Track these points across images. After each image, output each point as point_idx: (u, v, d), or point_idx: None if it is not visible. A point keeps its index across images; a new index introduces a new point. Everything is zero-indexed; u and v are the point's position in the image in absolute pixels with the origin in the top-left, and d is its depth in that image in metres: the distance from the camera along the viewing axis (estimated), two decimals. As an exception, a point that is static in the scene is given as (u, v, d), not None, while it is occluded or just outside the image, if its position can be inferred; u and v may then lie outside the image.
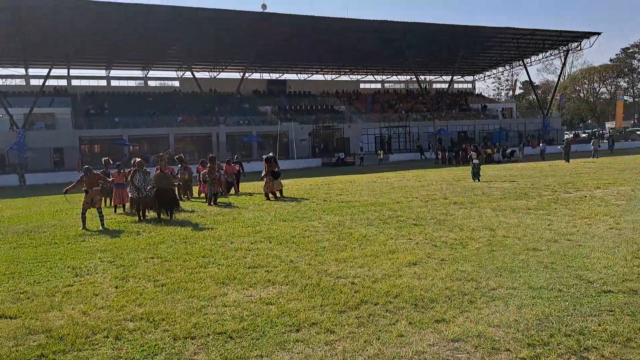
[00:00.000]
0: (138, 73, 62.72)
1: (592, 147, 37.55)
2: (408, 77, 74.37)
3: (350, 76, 71.58)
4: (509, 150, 38.45)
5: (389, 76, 74.32)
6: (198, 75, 62.29)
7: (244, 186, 21.00)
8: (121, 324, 5.21)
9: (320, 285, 6.08)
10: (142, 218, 12.88)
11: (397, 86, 75.37)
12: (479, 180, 19.46)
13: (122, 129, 47.38)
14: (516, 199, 13.39)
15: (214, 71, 63.26)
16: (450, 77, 64.50)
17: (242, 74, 51.89)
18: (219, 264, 7.54)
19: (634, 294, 5.12)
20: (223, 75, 63.91)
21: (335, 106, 62.84)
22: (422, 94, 62.58)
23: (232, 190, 19.55)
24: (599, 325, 4.39)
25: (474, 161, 20.53)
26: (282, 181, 17.37)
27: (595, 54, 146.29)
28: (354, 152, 49.05)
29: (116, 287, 6.60)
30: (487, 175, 23.05)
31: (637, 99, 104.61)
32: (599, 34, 57.63)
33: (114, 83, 61.47)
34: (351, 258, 7.39)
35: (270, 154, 18.41)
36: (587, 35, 58.09)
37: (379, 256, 7.43)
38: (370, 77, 73.45)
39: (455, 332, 4.44)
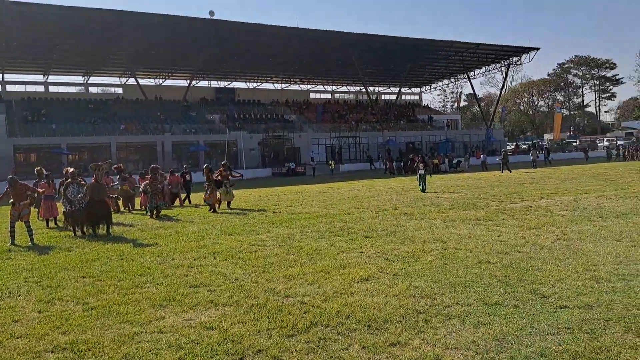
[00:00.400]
0: (79, 79, 60.21)
1: (532, 157, 39.04)
2: (358, 88, 75.21)
3: (301, 85, 71.58)
4: (455, 161, 39.29)
5: (339, 86, 74.87)
6: (143, 82, 60.54)
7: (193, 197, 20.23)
8: (41, 355, 4.60)
9: (267, 306, 5.66)
10: (76, 233, 11.98)
11: (347, 97, 76.00)
12: (424, 191, 19.45)
13: (60, 137, 45.12)
14: (465, 209, 13.43)
15: (159, 78, 61.60)
16: (398, 88, 65.69)
17: (189, 81, 50.67)
18: (158, 283, 6.97)
19: (589, 309, 5.00)
20: (169, 82, 62.35)
21: (285, 115, 62.50)
22: (372, 105, 63.34)
23: (177, 202, 18.78)
24: (559, 345, 4.19)
25: (420, 172, 20.44)
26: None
27: (534, 68, 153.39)
28: (304, 162, 48.80)
29: (39, 312, 5.93)
30: (435, 185, 23.30)
31: (572, 112, 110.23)
32: (537, 49, 60.30)
33: (52, 89, 58.67)
34: (301, 274, 7.00)
35: (225, 161, 17.83)
36: (527, 50, 60.66)
37: (329, 272, 7.08)
38: (320, 87, 73.72)
39: (412, 357, 4.14)
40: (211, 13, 46.82)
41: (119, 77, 60.73)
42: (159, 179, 15.57)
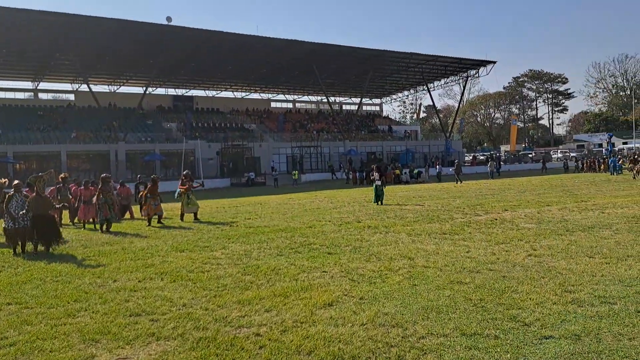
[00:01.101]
0: (28, 84, 57.43)
1: (489, 168, 39.67)
2: (319, 98, 75.02)
3: (261, 94, 70.78)
4: (415, 171, 39.32)
5: (300, 96, 74.47)
6: (96, 88, 58.30)
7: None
8: None
9: (217, 340, 4.93)
10: (17, 251, 10.68)
11: (309, 106, 75.66)
12: (381, 203, 18.32)
13: (6, 145, 42.69)
14: (429, 221, 13.02)
15: (114, 84, 59.51)
16: (359, 99, 65.76)
17: (144, 88, 49.04)
18: (94, 311, 6.12)
19: (577, 340, 4.52)
20: (125, 89, 60.31)
21: (245, 124, 61.51)
22: (333, 115, 63.15)
23: (127, 215, 17.67)
24: (552, 386, 3.66)
25: (376, 183, 18.94)
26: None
27: (490, 81, 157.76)
28: (265, 172, 47.92)
29: (-55, 351, 5.00)
30: (397, 196, 22.98)
31: (526, 124, 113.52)
32: (494, 62, 61.64)
33: (-1, 95, 55.74)
34: (257, 299, 6.30)
35: (186, 171, 16.92)
36: (484, 63, 61.90)
37: (289, 295, 6.40)
38: (281, 97, 73.09)
39: (385, 406, 3.52)
40: (168, 19, 45.39)
41: (71, 83, 58.35)
42: (110, 190, 14.47)
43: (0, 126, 46.18)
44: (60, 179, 16.56)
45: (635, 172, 30.20)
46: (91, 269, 8.57)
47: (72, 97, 59.47)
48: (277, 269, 7.90)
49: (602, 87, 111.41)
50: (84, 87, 54.68)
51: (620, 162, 37.86)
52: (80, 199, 15.18)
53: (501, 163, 48.56)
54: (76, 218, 15.82)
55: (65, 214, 16.06)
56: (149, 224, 14.50)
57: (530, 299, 5.82)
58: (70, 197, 16.01)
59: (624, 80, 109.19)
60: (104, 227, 13.68)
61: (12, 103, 54.32)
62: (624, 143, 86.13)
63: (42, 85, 58.06)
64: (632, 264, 7.29)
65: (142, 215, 15.21)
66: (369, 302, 5.99)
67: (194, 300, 6.41)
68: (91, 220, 14.94)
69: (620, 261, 7.52)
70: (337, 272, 7.59)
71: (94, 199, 13.90)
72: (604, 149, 65.68)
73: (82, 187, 15.37)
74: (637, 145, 78.88)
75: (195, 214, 15.79)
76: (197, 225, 14.19)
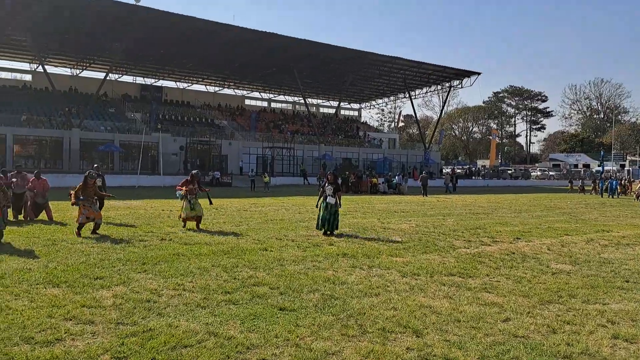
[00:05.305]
0: (-21, 60, 52.50)
1: (445, 183, 37.80)
2: (296, 99, 71.65)
3: (236, 91, 67.02)
4: (394, 181, 36.25)
5: (275, 95, 70.94)
6: (57, 70, 53.83)
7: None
8: None
9: None
10: None
11: (284, 106, 72.19)
12: (330, 232, 11.65)
13: (-64, 122, 37.97)
14: (425, 251, 9.78)
15: (77, 68, 54.97)
16: (338, 102, 62.66)
17: (107, 73, 44.80)
18: None
19: None
20: (88, 74, 55.80)
21: (216, 120, 57.66)
22: (309, 117, 59.82)
23: (44, 216, 13.93)
24: None
25: (327, 195, 11.72)
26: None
27: (469, 95, 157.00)
28: (231, 172, 44.21)
29: None
30: (376, 209, 19.79)
31: (504, 140, 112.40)
32: (479, 73, 59.36)
33: (-56, 68, 50.70)
34: None
35: (195, 171, 13.20)
36: (469, 74, 59.56)
37: None
38: (256, 94, 69.45)
39: None
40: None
41: (29, 62, 53.65)
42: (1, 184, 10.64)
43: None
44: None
45: (636, 195, 28.00)
46: None
47: (29, 77, 54.73)
48: (180, 345, 4.46)
49: (577, 108, 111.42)
50: (42, 68, 50.12)
51: (620, 183, 36.02)
52: None
53: (457, 180, 43.71)
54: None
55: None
56: (79, 233, 10.71)
57: None
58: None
59: (599, 104, 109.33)
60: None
61: (-43, 79, 49.33)
62: (599, 165, 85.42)
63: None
64: None
65: (76, 221, 11.18)
66: None
67: None
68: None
69: None
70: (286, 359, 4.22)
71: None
72: (593, 170, 64.25)
73: None
74: (612, 167, 78.19)
75: (198, 223, 12.29)
76: (130, 235, 10.59)
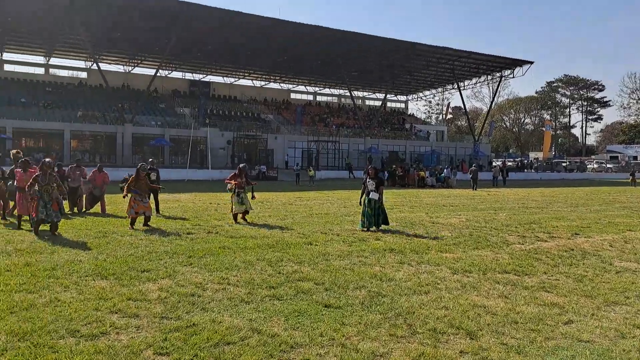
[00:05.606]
0: (40, 59, 54.88)
1: (493, 175, 36.29)
2: (341, 92, 71.26)
3: (281, 84, 67.33)
4: (443, 174, 35.41)
5: (321, 88, 70.80)
6: (110, 68, 55.68)
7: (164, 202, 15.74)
8: None
9: None
10: None
11: (330, 99, 71.93)
12: (377, 228, 11.17)
13: (4, 119, 39.97)
14: (476, 247, 9.37)
15: (129, 65, 56.66)
16: (384, 94, 61.82)
17: (157, 69, 45.91)
18: None
19: None
20: (140, 70, 57.46)
21: (262, 115, 58.15)
22: (355, 110, 59.34)
23: (98, 208, 14.30)
24: None
25: (370, 190, 11.26)
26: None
27: (521, 85, 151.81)
28: (277, 166, 44.47)
29: None
30: (424, 203, 19.33)
31: (558, 131, 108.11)
32: (531, 62, 57.18)
33: (8, 67, 53.25)
34: None
35: (243, 164, 13.19)
36: (521, 63, 57.45)
37: None
38: (302, 88, 69.53)
39: None
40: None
41: (85, 60, 55.70)
42: (50, 182, 10.54)
43: (4, 100, 43.59)
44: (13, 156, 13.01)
45: None
46: None
47: (84, 75, 56.85)
48: (223, 341, 4.34)
49: (637, 97, 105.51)
50: (96, 66, 51.95)
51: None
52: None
53: (508, 172, 41.85)
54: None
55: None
56: (132, 226, 10.91)
57: None
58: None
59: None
60: (39, 227, 10.10)
61: (20, 77, 51.79)
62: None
63: (57, 61, 55.59)
64: None
65: (127, 215, 11.37)
66: None
67: None
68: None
69: None
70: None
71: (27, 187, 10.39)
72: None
73: (20, 169, 11.63)
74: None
75: (244, 215, 12.43)
76: (163, 230, 10.73)
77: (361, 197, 11.68)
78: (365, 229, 11.15)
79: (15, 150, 12.13)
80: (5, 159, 32.37)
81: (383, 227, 11.31)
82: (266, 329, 4.63)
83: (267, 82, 66.09)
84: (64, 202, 11.94)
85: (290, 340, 4.35)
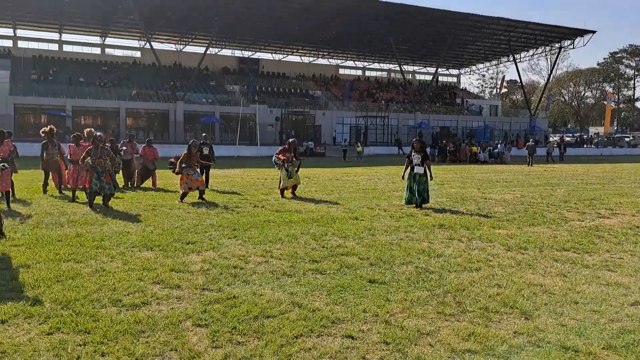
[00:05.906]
0: (96, 39, 56.64)
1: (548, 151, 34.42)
2: (391, 66, 69.80)
3: (330, 60, 66.61)
4: (497, 150, 34.17)
5: (370, 63, 69.59)
6: (163, 46, 56.73)
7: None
8: None
9: None
10: None
11: (379, 74, 70.65)
12: (420, 206, 10.59)
13: (65, 98, 41.62)
14: (532, 223, 8.88)
15: (180, 43, 57.54)
16: (435, 68, 60.01)
17: (206, 47, 46.39)
18: None
19: None
20: (190, 49, 58.22)
21: (310, 91, 57.89)
22: (405, 84, 58.01)
23: (150, 183, 14.61)
24: None
25: (415, 165, 10.70)
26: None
27: (582, 56, 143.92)
28: (325, 142, 44.31)
29: None
30: (476, 179, 18.68)
31: (621, 105, 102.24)
32: (593, 32, 53.88)
33: (67, 48, 55.27)
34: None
35: (292, 139, 13.10)
36: (581, 32, 54.31)
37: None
38: (350, 63, 68.58)
39: None
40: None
41: (138, 40, 56.97)
42: (103, 155, 10.70)
43: (63, 80, 45.36)
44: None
45: None
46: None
47: (138, 54, 58.22)
48: (263, 315, 4.23)
49: None
50: (149, 45, 53.10)
51: None
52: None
53: (566, 148, 39.85)
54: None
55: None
56: (181, 200, 11.05)
57: None
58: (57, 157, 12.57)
59: None
60: (93, 199, 10.38)
61: (78, 57, 53.67)
62: None
63: (112, 41, 57.14)
64: None
65: (180, 190, 11.51)
66: None
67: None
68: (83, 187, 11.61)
69: None
70: (375, 340, 3.82)
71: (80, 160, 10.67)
72: None
73: (73, 144, 11.95)
74: None
75: (293, 190, 12.45)
76: (209, 203, 10.80)
77: (405, 171, 11.14)
78: (413, 205, 10.74)
79: (89, 130, 12.38)
80: (65, 135, 33.78)
81: (424, 205, 10.76)
82: (307, 303, 4.49)
83: (315, 58, 65.59)
84: (117, 175, 12.23)
85: (332, 316, 4.18)
